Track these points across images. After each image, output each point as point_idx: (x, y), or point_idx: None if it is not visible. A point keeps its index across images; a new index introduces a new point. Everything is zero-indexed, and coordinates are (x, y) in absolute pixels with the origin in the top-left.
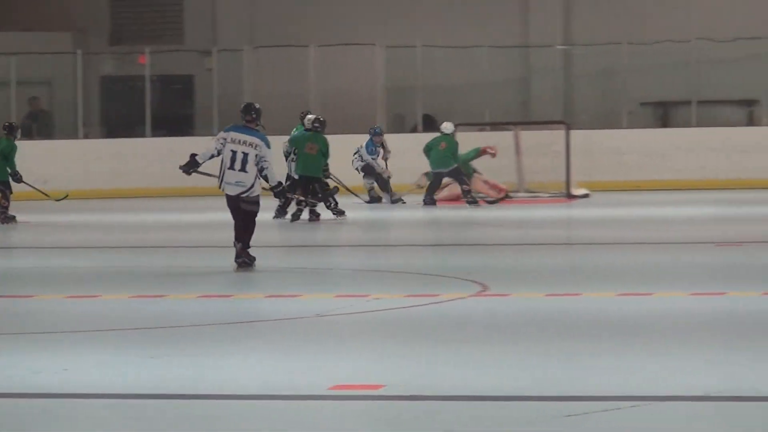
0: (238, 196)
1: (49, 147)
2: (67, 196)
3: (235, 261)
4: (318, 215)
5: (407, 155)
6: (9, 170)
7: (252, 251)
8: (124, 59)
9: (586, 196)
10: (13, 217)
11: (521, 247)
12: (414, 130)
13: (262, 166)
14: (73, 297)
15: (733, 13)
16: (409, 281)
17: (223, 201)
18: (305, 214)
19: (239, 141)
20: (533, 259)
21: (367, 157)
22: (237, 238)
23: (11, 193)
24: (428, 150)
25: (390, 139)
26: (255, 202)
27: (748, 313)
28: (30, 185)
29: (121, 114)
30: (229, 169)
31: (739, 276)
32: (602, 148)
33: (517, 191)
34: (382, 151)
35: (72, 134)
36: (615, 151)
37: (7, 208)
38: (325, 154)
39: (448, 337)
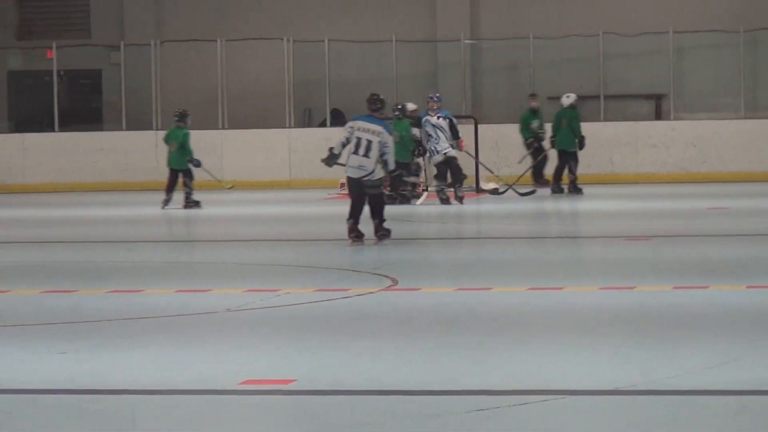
0: (359, 179)
1: None
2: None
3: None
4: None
5: (316, 150)
6: (187, 157)
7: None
8: (32, 54)
9: (495, 190)
10: (198, 203)
11: (431, 241)
12: (322, 124)
13: (383, 152)
14: None
15: (639, 7)
16: (320, 276)
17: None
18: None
19: (365, 129)
20: (443, 253)
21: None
22: (351, 215)
23: (192, 179)
24: (557, 126)
25: (298, 133)
26: (376, 186)
27: (657, 307)
28: (208, 172)
29: (28, 108)
30: (353, 154)
31: (648, 270)
32: (510, 143)
33: (426, 186)
34: (447, 132)
35: None
36: (523, 145)
37: (190, 194)
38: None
39: (358, 332)
